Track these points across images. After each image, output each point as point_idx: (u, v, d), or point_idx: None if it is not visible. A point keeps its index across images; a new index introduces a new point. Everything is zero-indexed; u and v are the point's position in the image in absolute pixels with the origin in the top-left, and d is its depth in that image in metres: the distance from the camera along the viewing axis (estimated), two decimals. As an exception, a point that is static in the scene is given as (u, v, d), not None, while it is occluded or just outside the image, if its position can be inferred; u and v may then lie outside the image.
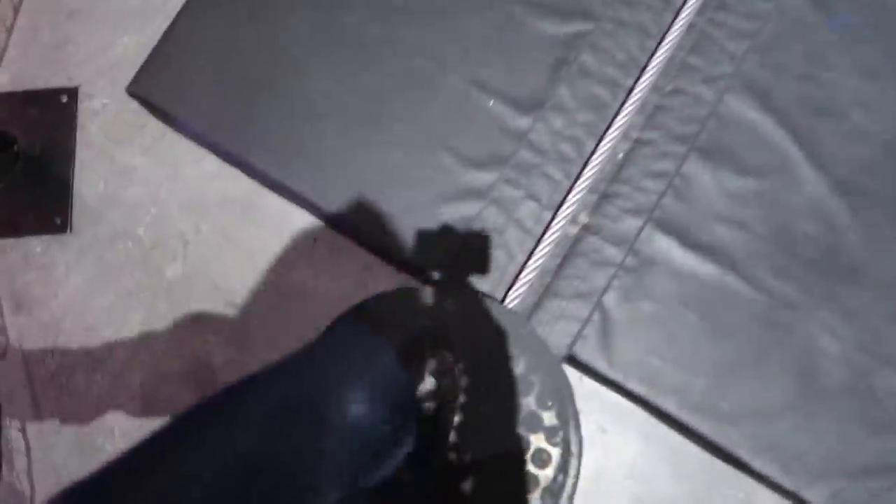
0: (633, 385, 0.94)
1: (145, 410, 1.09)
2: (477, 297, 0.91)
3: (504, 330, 0.88)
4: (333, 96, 1.04)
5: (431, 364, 0.83)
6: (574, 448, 0.85)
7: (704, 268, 0.96)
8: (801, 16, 1.01)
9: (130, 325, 1.10)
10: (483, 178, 1.00)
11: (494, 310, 0.90)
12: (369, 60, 1.05)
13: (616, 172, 0.99)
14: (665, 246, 0.97)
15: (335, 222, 1.05)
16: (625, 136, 0.99)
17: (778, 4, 1.01)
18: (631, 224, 0.97)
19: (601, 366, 0.95)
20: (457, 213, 0.99)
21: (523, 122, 1.00)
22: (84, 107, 1.17)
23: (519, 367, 0.87)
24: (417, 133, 1.02)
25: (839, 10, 1.02)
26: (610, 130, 0.98)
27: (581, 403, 1.00)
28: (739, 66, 1.00)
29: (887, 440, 0.90)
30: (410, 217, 0.99)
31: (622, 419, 1.01)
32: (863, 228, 0.95)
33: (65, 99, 1.16)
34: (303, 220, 1.08)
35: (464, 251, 0.98)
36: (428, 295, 0.92)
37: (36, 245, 1.14)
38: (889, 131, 0.98)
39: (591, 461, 0.99)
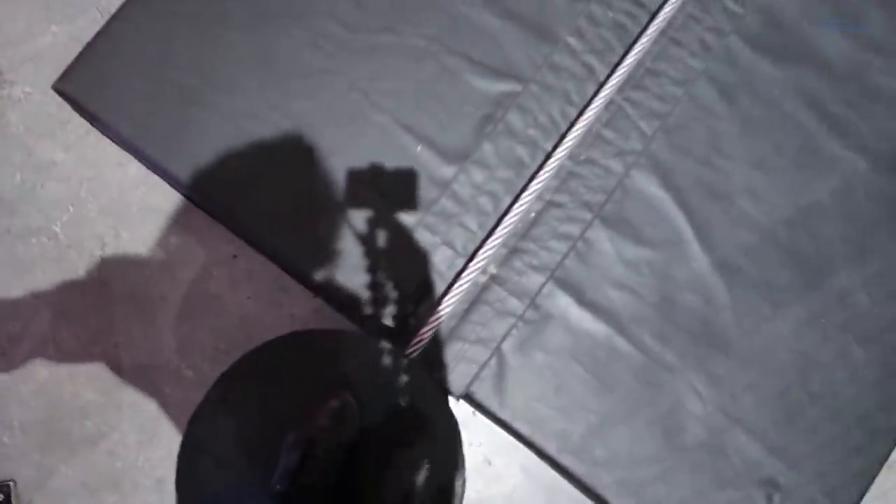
0: (519, 426, 1.03)
1: (48, 407, 1.10)
2: (377, 344, 0.96)
3: (401, 377, 0.95)
4: (265, 119, 1.06)
5: (332, 405, 0.89)
6: (458, 490, 0.93)
7: (596, 326, 1.05)
8: (708, 103, 1.11)
9: (39, 321, 1.11)
10: (404, 220, 1.05)
11: (393, 357, 0.96)
12: (303, 88, 1.07)
13: (526, 230, 1.06)
14: (563, 303, 1.05)
15: (256, 243, 1.08)
16: (539, 196, 1.06)
17: (688, 90, 1.10)
18: (534, 279, 1.05)
19: (493, 406, 1.04)
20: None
21: (447, 171, 1.06)
22: (4, 93, 1.14)
23: (414, 413, 0.94)
24: (344, 167, 1.05)
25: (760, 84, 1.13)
26: (526, 190, 1.05)
27: (472, 436, 1.10)
28: (649, 144, 1.09)
29: (730, 493, 1.04)
30: (329, 246, 1.04)
31: (507, 453, 1.10)
32: (736, 306, 1.07)
33: (-16, 82, 1.13)
34: (225, 235, 1.10)
35: (378, 287, 1.04)
36: (330, 339, 0.97)
37: (-58, 231, 1.11)
38: (771, 220, 1.09)
39: (475, 491, 1.08)
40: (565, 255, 1.06)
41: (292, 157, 1.06)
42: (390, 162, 1.06)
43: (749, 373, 1.06)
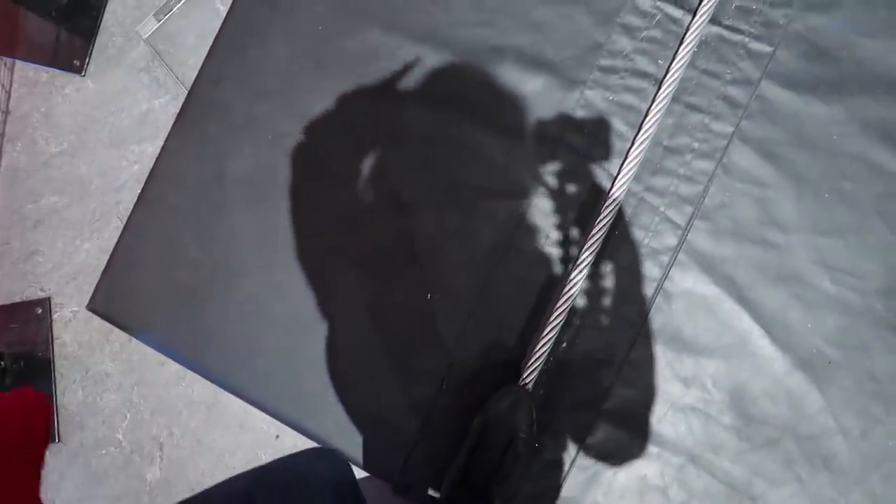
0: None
1: None
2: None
3: None
4: (277, 297, 1.03)
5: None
6: None
7: (650, 467, 0.90)
8: (748, 171, 0.92)
9: (122, 526, 1.15)
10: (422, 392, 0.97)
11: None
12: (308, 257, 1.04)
13: (556, 368, 0.94)
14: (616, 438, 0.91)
15: (292, 424, 1.04)
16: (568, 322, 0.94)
17: (721, 162, 0.93)
18: (580, 419, 0.92)
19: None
20: (403, 414, 0.97)
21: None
22: (57, 317, 1.21)
23: None
24: (363, 337, 1.00)
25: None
26: (547, 326, 0.93)
27: None
28: (684, 237, 0.92)
29: None
30: (361, 418, 0.98)
31: None
32: (835, 409, 0.87)
33: (39, 311, 1.21)
34: (263, 416, 1.08)
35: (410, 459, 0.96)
36: None
37: (30, 455, 1.19)
38: (861, 294, 0.88)
39: None
40: (612, 384, 0.92)
41: (307, 331, 1.02)
42: (410, 326, 0.99)
43: (860, 488, 0.85)
